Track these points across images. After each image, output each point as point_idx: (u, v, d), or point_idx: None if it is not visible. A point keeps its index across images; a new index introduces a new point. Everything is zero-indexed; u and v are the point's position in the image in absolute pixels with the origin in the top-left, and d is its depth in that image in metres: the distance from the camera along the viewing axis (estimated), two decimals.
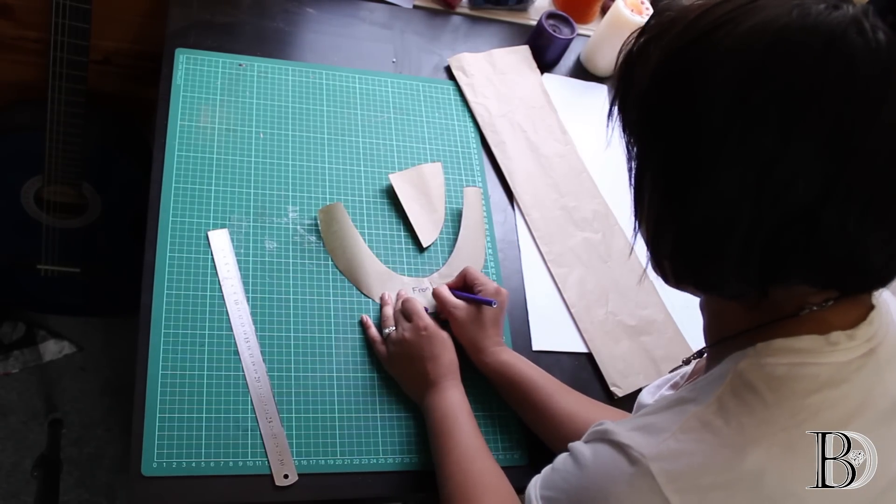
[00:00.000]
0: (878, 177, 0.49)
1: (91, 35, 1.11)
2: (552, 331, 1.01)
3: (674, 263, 0.58)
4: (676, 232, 0.55)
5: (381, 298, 0.95)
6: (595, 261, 1.09)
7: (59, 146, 1.23)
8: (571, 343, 1.01)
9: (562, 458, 0.63)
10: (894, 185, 0.49)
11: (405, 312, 0.90)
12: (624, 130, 0.59)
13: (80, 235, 1.43)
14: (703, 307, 0.65)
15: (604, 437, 0.58)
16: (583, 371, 1.00)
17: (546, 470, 0.64)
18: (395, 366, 0.89)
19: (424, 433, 0.87)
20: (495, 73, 1.23)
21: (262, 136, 1.04)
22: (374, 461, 0.85)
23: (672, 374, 0.76)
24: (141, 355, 0.83)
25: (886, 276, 0.54)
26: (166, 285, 0.88)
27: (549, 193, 1.13)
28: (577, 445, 0.61)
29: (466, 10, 1.30)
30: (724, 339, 0.60)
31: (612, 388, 0.98)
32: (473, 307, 0.90)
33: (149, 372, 0.83)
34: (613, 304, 1.06)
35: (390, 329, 0.90)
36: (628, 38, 0.58)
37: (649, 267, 0.61)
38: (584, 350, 1.01)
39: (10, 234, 1.43)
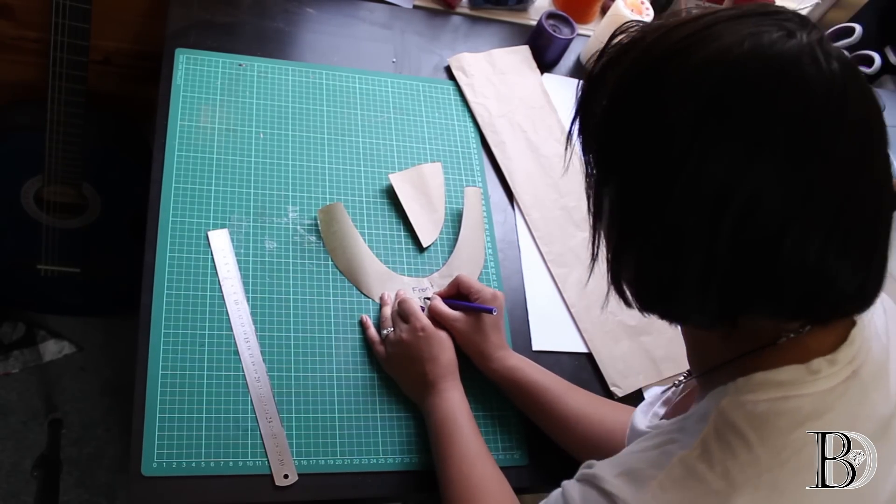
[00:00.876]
0: (837, 207, 0.48)
1: (91, 35, 1.11)
2: (552, 331, 1.01)
3: (636, 291, 0.57)
4: (636, 259, 0.55)
5: (381, 299, 0.95)
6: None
7: (59, 146, 1.23)
8: (571, 343, 1.01)
9: (554, 497, 0.62)
10: (854, 214, 0.49)
11: (402, 313, 0.90)
12: (584, 154, 0.59)
13: (79, 235, 1.43)
14: (683, 335, 0.64)
15: (592, 482, 0.57)
16: (583, 371, 1.00)
17: (568, 485, 0.63)
18: (394, 367, 0.89)
19: (424, 433, 0.87)
20: (495, 73, 1.23)
21: (262, 136, 1.04)
22: (374, 461, 0.85)
23: (665, 388, 0.75)
24: (141, 355, 0.83)
25: (861, 303, 0.53)
26: (166, 285, 0.88)
27: (549, 193, 1.13)
28: (569, 486, 0.61)
29: (466, 10, 1.30)
30: (709, 369, 0.59)
31: (612, 388, 0.98)
32: (472, 316, 0.90)
33: (149, 372, 0.83)
34: (613, 304, 1.06)
35: (388, 330, 0.90)
36: (589, 59, 0.59)
37: (612, 292, 0.61)
38: (584, 350, 1.01)
39: (10, 234, 1.43)
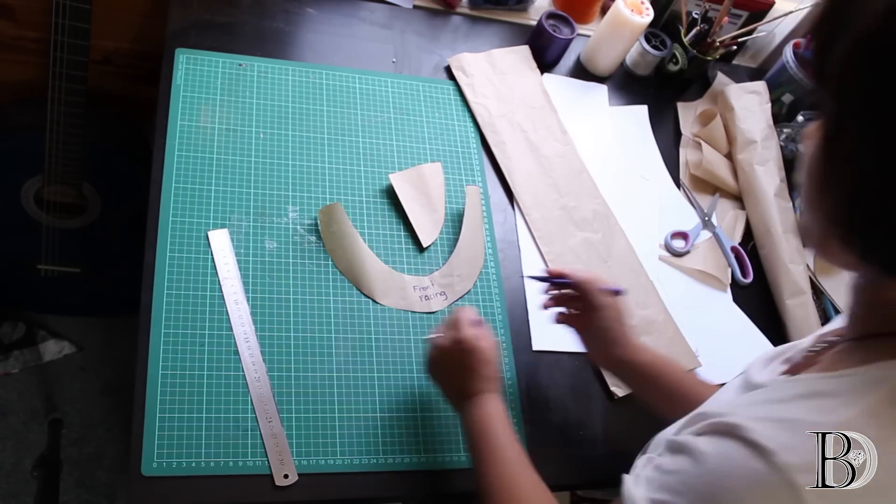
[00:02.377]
0: None
1: (91, 35, 1.11)
2: (552, 330, 1.01)
3: (867, 238, 0.49)
4: (884, 199, 0.47)
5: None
6: (595, 261, 1.09)
7: (59, 146, 1.23)
8: (571, 343, 1.01)
9: (671, 457, 0.56)
10: None
11: (450, 321, 0.83)
12: (818, 81, 0.50)
13: (80, 235, 1.43)
14: (857, 291, 0.57)
15: (731, 433, 0.51)
16: (583, 371, 1.00)
17: (649, 471, 0.58)
18: (433, 372, 0.85)
19: (425, 433, 0.87)
20: (495, 73, 1.23)
21: (262, 136, 1.04)
22: (374, 461, 0.85)
23: (783, 347, 0.70)
24: (141, 355, 0.83)
25: None
26: (166, 285, 0.88)
27: (548, 193, 1.13)
28: (692, 441, 0.54)
29: (466, 10, 1.30)
30: (873, 335, 0.54)
31: (613, 388, 0.98)
32: (609, 301, 0.87)
33: (149, 372, 0.83)
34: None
35: (437, 334, 0.84)
36: None
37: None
38: (585, 350, 1.01)
39: (10, 234, 1.43)
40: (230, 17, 1.14)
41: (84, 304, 1.65)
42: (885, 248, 0.49)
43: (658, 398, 0.87)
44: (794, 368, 0.65)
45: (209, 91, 1.05)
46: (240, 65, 1.09)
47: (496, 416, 0.77)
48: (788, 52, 1.31)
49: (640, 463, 0.62)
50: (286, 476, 0.81)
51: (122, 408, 1.67)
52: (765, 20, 1.34)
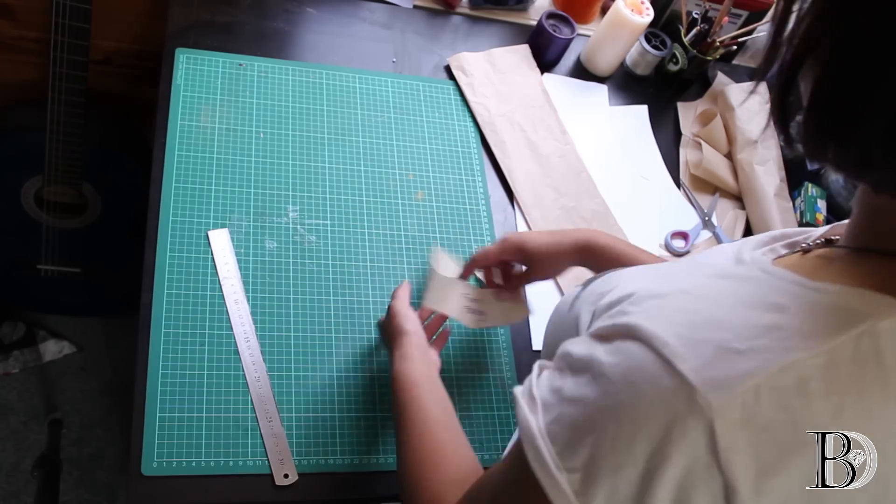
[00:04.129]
0: None
1: (91, 35, 1.11)
2: None
3: (811, 118, 0.42)
4: (823, 64, 0.41)
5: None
6: None
7: (60, 146, 1.23)
8: None
9: (572, 378, 0.47)
10: None
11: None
12: None
13: (80, 235, 1.43)
14: (857, 199, 0.49)
15: (631, 335, 0.44)
16: None
17: (545, 391, 0.49)
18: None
19: None
20: (495, 72, 1.23)
21: (262, 136, 1.04)
22: (374, 461, 0.85)
23: (796, 230, 0.59)
24: (141, 355, 0.83)
25: None
26: (166, 285, 0.88)
27: (548, 193, 1.13)
28: (588, 350, 0.47)
29: (466, 10, 1.30)
30: (870, 249, 0.46)
31: None
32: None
33: (149, 372, 0.83)
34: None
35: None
36: None
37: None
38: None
39: (10, 234, 1.43)
40: (230, 17, 1.14)
41: (84, 304, 1.65)
42: (823, 132, 0.42)
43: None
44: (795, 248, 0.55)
45: (209, 91, 1.05)
46: (240, 65, 1.09)
47: (419, 373, 0.75)
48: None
49: (535, 370, 0.53)
50: (286, 476, 0.81)
51: (122, 408, 1.67)
52: (765, 20, 1.34)
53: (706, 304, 0.46)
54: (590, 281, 0.66)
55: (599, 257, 0.85)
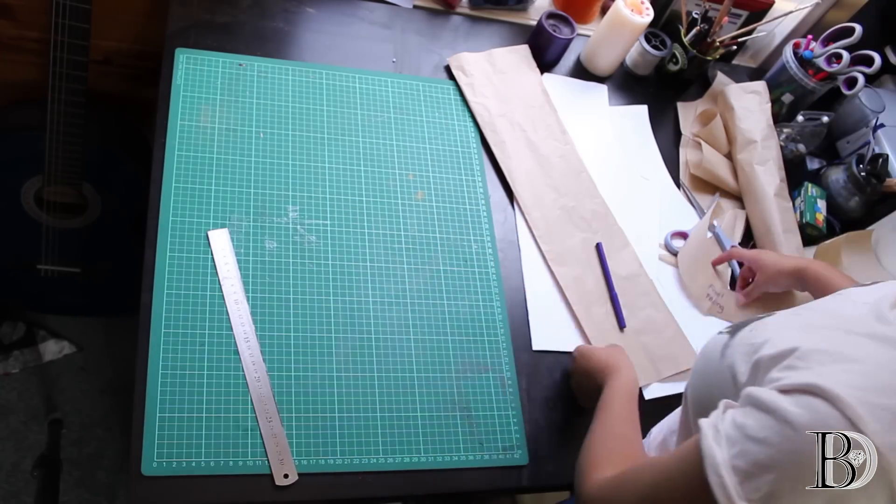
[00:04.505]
0: None
1: (91, 35, 1.11)
2: (552, 330, 1.01)
3: None
4: None
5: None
6: (594, 260, 1.09)
7: (60, 146, 1.23)
8: (571, 343, 1.01)
9: (754, 415, 0.53)
10: None
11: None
12: None
13: (80, 235, 1.43)
14: None
15: (815, 393, 0.49)
16: None
17: (728, 426, 0.55)
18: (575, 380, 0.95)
19: (424, 433, 0.87)
20: (495, 72, 1.23)
21: (262, 136, 1.04)
22: (374, 461, 0.85)
23: None
24: (141, 355, 0.83)
25: None
26: (166, 285, 0.88)
27: (548, 193, 1.13)
28: (772, 398, 0.52)
29: (466, 10, 1.30)
30: None
31: None
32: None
33: (149, 372, 0.83)
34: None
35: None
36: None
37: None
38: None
39: (10, 234, 1.43)
40: (230, 16, 1.14)
41: (84, 304, 1.65)
42: None
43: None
44: None
45: (209, 91, 1.05)
46: (240, 65, 1.09)
47: (609, 393, 0.82)
48: (788, 52, 1.31)
49: (720, 408, 0.58)
50: (286, 476, 0.81)
51: (122, 408, 1.67)
52: (765, 20, 1.34)
53: (872, 368, 0.51)
54: (736, 329, 0.70)
55: (814, 284, 0.99)
